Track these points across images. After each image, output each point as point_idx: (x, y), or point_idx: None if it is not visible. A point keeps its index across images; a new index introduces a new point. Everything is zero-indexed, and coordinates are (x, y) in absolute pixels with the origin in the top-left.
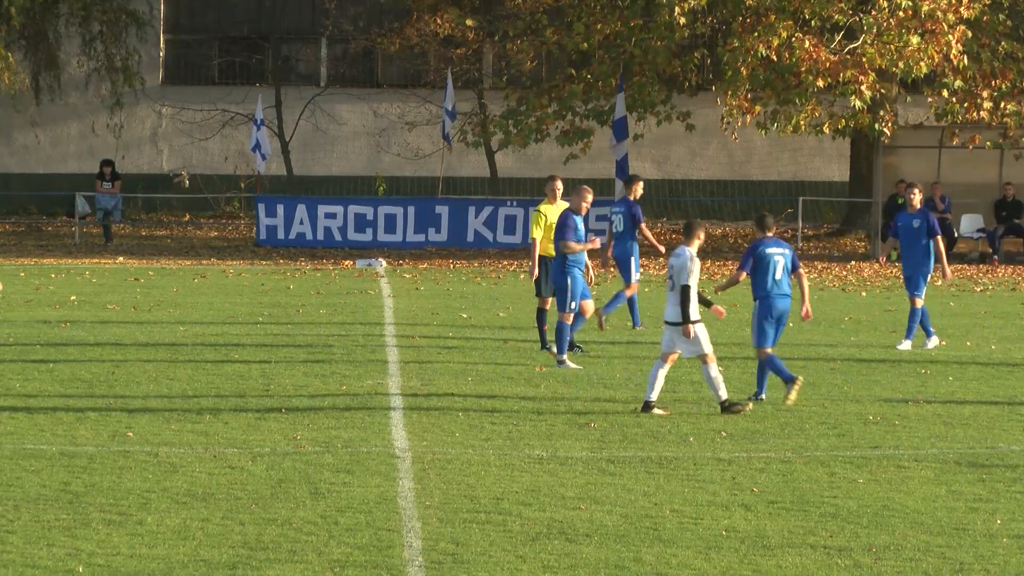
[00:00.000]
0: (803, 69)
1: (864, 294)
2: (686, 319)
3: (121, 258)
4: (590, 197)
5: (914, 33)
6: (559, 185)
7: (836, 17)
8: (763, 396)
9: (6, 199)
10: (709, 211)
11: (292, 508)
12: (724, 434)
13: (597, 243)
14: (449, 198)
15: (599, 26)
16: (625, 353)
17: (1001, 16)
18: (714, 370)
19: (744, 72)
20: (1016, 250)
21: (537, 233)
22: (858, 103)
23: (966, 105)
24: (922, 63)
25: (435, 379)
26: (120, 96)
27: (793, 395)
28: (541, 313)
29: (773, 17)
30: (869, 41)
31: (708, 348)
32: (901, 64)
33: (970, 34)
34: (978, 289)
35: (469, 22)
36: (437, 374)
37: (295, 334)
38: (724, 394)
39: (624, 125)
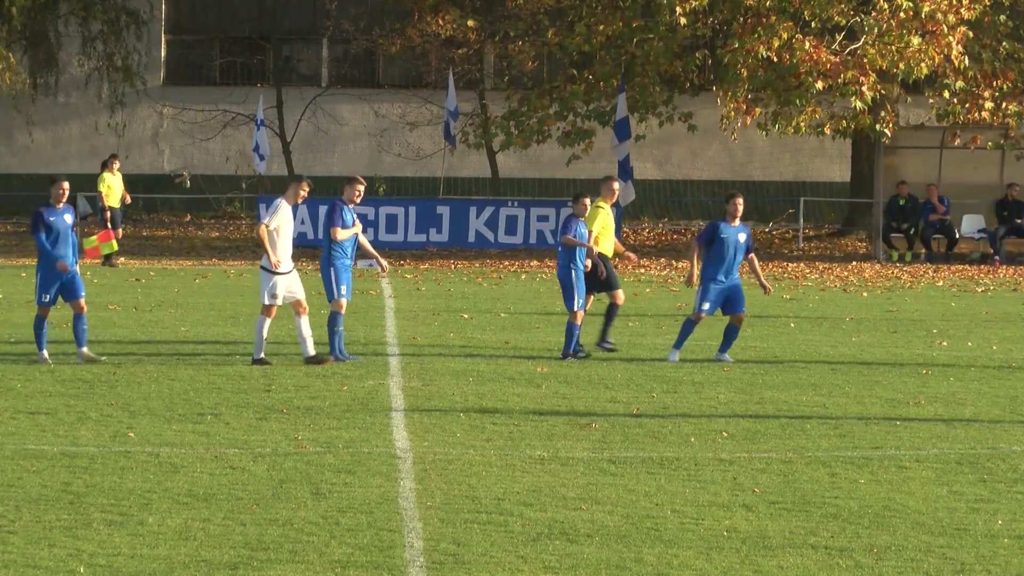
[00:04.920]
0: (803, 70)
1: (865, 294)
2: None
3: (122, 258)
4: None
5: (915, 34)
6: (616, 186)
7: (836, 18)
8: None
9: (7, 199)
10: (710, 211)
11: (293, 508)
12: (725, 434)
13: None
14: (450, 198)
15: (600, 27)
16: (626, 353)
17: (1002, 17)
18: None
19: (744, 73)
20: (1017, 251)
21: (596, 228)
22: (859, 104)
23: (967, 106)
24: (923, 64)
25: (436, 379)
26: (121, 96)
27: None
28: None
29: (773, 18)
30: (870, 42)
31: None
32: (902, 65)
33: (971, 35)
34: (979, 290)
35: (470, 23)
36: (438, 374)
37: (296, 334)
38: None
39: (626, 126)
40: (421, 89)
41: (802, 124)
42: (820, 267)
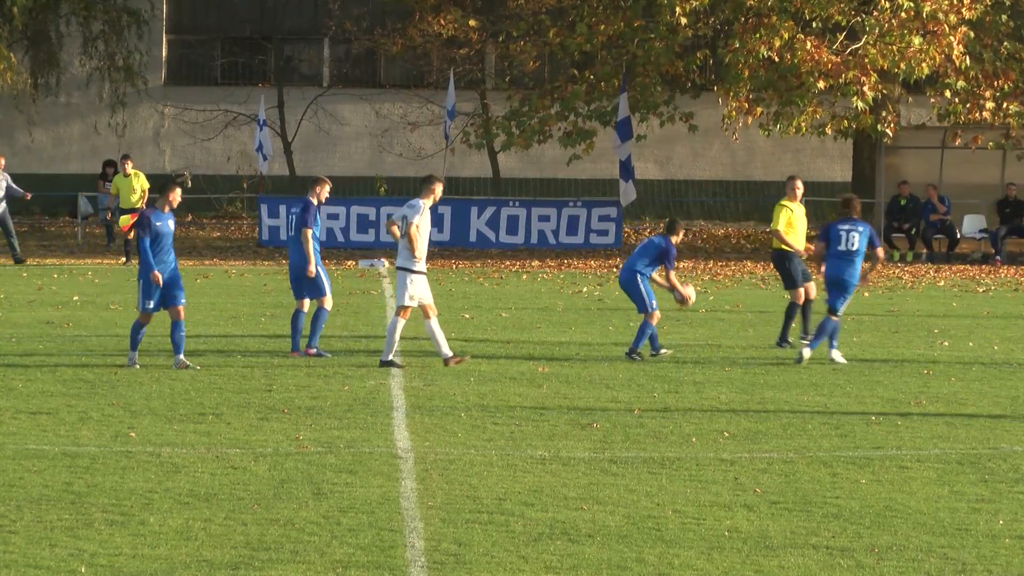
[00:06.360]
0: (804, 70)
1: (866, 294)
2: None
3: (123, 258)
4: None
5: (916, 34)
6: (799, 184)
7: (837, 18)
8: None
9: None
10: (711, 212)
11: (294, 508)
12: (727, 434)
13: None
14: (451, 198)
15: (601, 27)
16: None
17: (1003, 17)
18: None
19: (745, 73)
20: (1019, 250)
21: (779, 225)
22: (860, 104)
23: (968, 106)
24: (924, 64)
25: (437, 379)
26: (122, 96)
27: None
28: (793, 307)
29: (775, 18)
30: (871, 42)
31: None
32: (903, 65)
33: (972, 35)
34: (981, 290)
35: (472, 23)
36: (439, 374)
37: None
38: None
39: (628, 126)
40: (422, 89)
41: (803, 124)
42: (823, 268)
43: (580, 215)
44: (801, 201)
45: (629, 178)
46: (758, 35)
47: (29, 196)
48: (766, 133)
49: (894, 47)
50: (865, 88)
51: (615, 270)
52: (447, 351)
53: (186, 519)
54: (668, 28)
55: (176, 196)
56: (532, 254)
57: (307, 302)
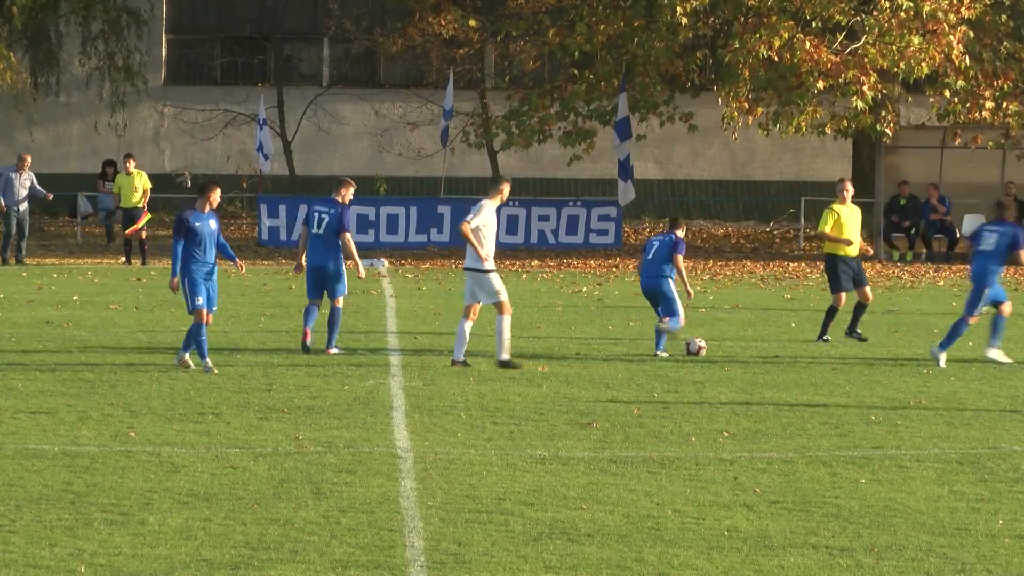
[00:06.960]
0: (804, 70)
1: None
2: None
3: (123, 258)
4: None
5: (915, 33)
6: (849, 186)
7: (837, 17)
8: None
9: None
10: (711, 211)
11: (294, 508)
12: (726, 434)
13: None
14: (451, 198)
15: (601, 26)
16: (627, 352)
17: (1003, 16)
18: None
19: (745, 73)
20: None
21: (825, 227)
22: (860, 104)
23: (968, 105)
24: (924, 63)
25: (437, 379)
26: (122, 96)
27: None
28: (833, 310)
29: (774, 18)
30: (871, 41)
31: None
32: (903, 64)
33: (972, 34)
34: None
35: (471, 22)
36: (439, 374)
37: (297, 334)
38: None
39: (627, 125)
40: (422, 89)
41: (803, 124)
42: (821, 266)
43: (580, 215)
44: (852, 203)
45: (628, 178)
46: (758, 35)
47: (51, 197)
48: (765, 133)
49: (894, 47)
50: (865, 88)
51: (615, 270)
52: (460, 355)
53: (186, 519)
54: (668, 28)
55: (216, 196)
56: (532, 254)
57: (319, 301)
